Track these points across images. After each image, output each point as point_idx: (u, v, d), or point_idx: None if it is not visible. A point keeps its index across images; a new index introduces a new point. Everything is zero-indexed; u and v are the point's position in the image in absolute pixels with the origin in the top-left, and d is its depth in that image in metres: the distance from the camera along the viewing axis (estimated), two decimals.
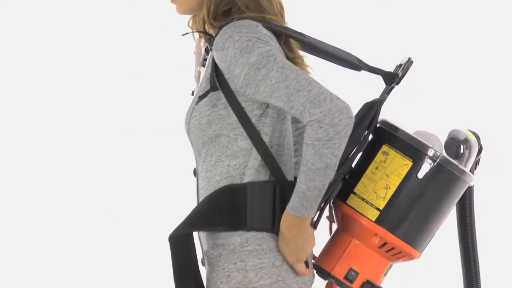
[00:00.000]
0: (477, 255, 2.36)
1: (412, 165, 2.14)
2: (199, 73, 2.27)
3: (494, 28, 4.37)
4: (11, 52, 4.55)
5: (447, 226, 2.29)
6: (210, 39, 2.19)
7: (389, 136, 2.17)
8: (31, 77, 4.55)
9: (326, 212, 2.26)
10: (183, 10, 2.20)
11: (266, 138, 2.12)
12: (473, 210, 2.34)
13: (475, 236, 2.36)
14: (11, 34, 4.55)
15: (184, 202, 2.58)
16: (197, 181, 2.24)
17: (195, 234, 2.25)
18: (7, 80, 4.56)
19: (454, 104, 4.24)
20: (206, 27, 2.21)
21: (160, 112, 4.46)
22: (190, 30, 2.29)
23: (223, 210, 2.12)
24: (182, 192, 2.99)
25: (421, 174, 2.14)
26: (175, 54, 2.35)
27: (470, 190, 2.30)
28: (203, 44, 2.27)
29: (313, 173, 1.98)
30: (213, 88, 2.11)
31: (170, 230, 4.37)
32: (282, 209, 2.10)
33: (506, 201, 4.34)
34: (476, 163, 2.29)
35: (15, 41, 4.55)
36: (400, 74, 2.22)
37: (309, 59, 2.24)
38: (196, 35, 2.29)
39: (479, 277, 2.36)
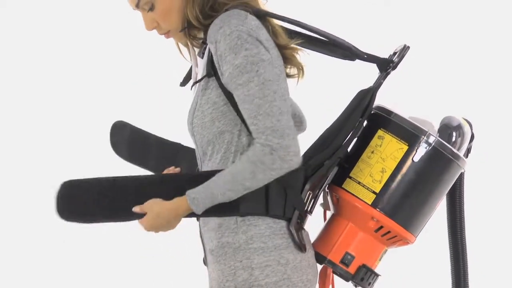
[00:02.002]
0: (465, 243, 2.37)
1: (408, 148, 2.16)
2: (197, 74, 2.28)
3: (493, 28, 4.39)
4: (11, 52, 4.56)
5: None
6: (202, 42, 2.18)
7: (385, 120, 2.19)
8: (31, 77, 4.56)
9: (320, 199, 2.27)
10: (178, 35, 2.20)
11: None
12: (463, 197, 2.35)
13: (464, 223, 2.37)
14: (11, 34, 4.56)
15: None
16: None
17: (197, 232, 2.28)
18: (7, 80, 4.57)
19: (447, 93, 4.27)
20: (194, 33, 2.20)
21: (160, 112, 4.44)
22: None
23: None
24: None
25: (416, 158, 2.16)
26: (175, 54, 2.35)
27: (460, 177, 2.32)
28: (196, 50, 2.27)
29: (237, 185, 2.04)
30: (208, 75, 2.12)
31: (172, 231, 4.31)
32: (277, 192, 2.11)
33: (497, 188, 4.36)
34: (468, 150, 2.31)
35: (15, 41, 4.55)
36: (396, 60, 2.24)
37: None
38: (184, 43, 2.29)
39: (467, 264, 2.37)
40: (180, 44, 2.30)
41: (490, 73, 4.40)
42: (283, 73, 2.11)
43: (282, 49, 2.17)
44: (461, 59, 4.37)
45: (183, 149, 2.47)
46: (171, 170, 2.41)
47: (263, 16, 2.14)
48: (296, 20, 2.19)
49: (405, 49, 2.24)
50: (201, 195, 2.07)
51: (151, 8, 2.16)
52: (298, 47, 2.21)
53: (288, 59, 2.19)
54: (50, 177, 4.47)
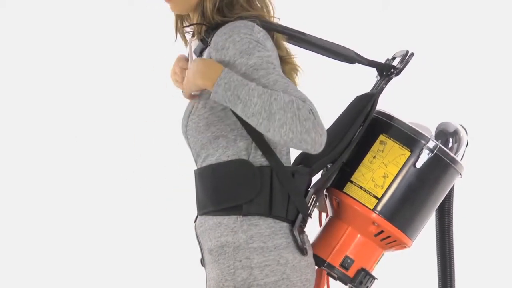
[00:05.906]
0: (453, 250, 2.39)
1: (410, 154, 2.18)
2: None
3: (491, 31, 4.41)
4: (11, 52, 4.53)
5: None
6: (203, 38, 2.17)
7: (387, 125, 2.21)
8: (31, 77, 4.53)
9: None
10: (180, 9, 2.19)
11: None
12: (452, 203, 2.38)
13: (452, 230, 2.40)
14: (11, 34, 4.53)
15: (188, 202, 2.56)
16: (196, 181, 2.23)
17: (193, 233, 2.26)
18: (8, 80, 4.54)
19: (445, 99, 4.30)
20: (199, 21, 2.18)
21: (159, 111, 4.44)
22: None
23: (219, 192, 2.13)
24: (185, 192, 2.94)
25: (419, 164, 2.18)
26: (174, 53, 2.35)
27: (452, 187, 2.33)
28: (193, 44, 2.26)
29: (260, 100, 1.96)
30: None
31: (169, 231, 4.33)
32: (281, 194, 2.11)
33: (490, 194, 4.38)
34: (461, 156, 2.34)
35: (15, 41, 4.53)
36: (400, 66, 2.25)
37: (302, 52, 2.27)
38: (188, 36, 2.29)
39: (454, 272, 2.41)
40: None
41: (486, 78, 4.41)
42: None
43: (281, 60, 2.18)
44: (459, 62, 4.38)
45: None
46: None
47: (269, 28, 2.15)
48: (301, 32, 2.21)
49: (409, 55, 2.26)
50: (231, 79, 1.99)
51: None
52: (296, 64, 2.23)
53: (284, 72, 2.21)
54: (50, 178, 4.51)
